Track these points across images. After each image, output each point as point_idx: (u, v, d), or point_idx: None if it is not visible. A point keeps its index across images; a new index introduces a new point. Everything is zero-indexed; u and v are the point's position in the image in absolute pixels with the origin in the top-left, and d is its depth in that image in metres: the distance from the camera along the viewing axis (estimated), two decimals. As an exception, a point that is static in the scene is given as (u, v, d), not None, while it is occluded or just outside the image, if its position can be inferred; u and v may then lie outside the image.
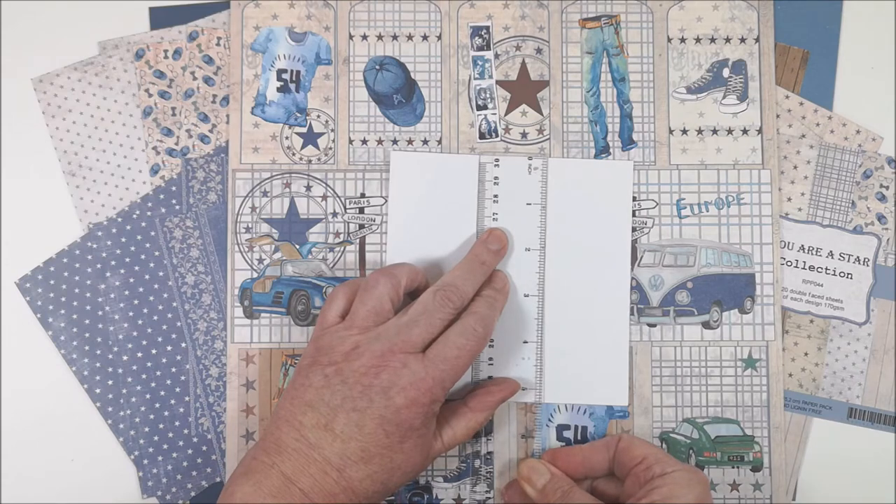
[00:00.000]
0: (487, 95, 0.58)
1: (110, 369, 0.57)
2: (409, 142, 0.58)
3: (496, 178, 0.56)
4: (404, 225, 0.56)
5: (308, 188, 0.58)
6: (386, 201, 0.57)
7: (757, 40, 0.58)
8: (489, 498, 0.56)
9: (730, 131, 0.58)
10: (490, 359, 0.56)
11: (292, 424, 0.47)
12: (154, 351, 0.57)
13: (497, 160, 0.57)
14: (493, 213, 0.56)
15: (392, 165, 0.57)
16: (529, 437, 0.57)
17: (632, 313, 0.56)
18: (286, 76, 0.58)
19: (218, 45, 0.58)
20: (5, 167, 0.58)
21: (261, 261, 0.57)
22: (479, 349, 0.50)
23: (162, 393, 0.57)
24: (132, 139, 0.58)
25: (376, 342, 0.48)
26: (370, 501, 0.47)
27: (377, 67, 0.58)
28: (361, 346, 0.48)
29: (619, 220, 0.56)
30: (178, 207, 0.58)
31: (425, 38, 0.58)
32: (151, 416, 0.57)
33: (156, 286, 0.57)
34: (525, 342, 0.56)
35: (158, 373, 0.57)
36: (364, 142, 0.58)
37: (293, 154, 0.58)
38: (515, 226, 0.56)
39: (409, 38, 0.58)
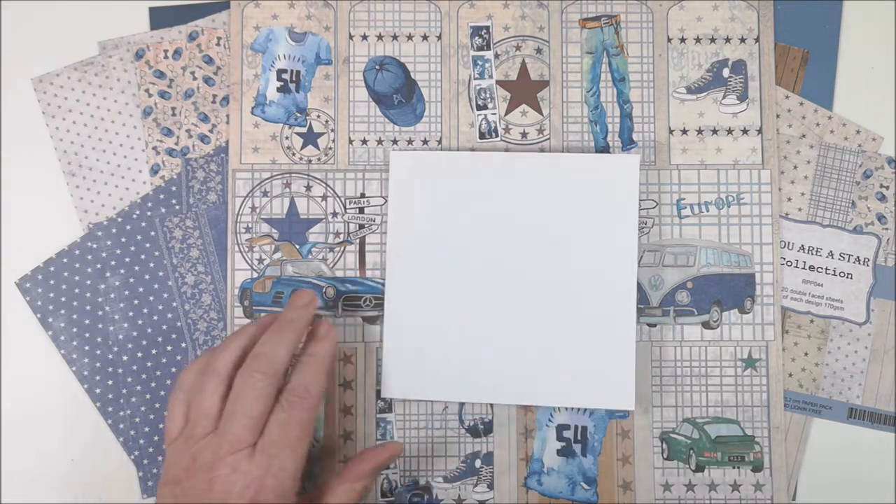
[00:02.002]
0: (487, 95, 0.58)
1: (110, 369, 0.57)
2: (409, 142, 0.58)
3: (497, 175, 0.56)
4: (404, 225, 0.56)
5: (308, 188, 0.58)
6: (386, 201, 0.57)
7: (757, 40, 0.58)
8: (489, 498, 0.56)
9: (730, 131, 0.58)
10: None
11: None
12: (154, 351, 0.57)
13: (499, 157, 0.57)
14: (495, 212, 0.56)
15: (392, 165, 0.57)
16: (529, 436, 0.57)
17: (632, 313, 0.56)
18: (286, 76, 0.58)
19: (218, 45, 0.58)
20: (5, 167, 0.58)
21: (261, 261, 0.57)
22: (309, 418, 0.47)
23: (162, 393, 0.57)
24: (132, 139, 0.58)
25: (207, 450, 0.46)
26: None
27: (377, 67, 0.58)
28: (197, 459, 0.46)
29: (625, 215, 0.55)
30: (178, 207, 0.58)
31: (425, 38, 0.58)
32: (151, 416, 0.57)
33: (156, 286, 0.57)
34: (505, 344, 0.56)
35: (158, 373, 0.57)
36: (364, 142, 0.58)
37: (293, 154, 0.58)
38: (515, 223, 0.56)
39: (409, 38, 0.58)
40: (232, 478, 0.45)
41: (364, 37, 0.58)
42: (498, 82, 0.58)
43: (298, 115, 0.58)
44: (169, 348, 0.57)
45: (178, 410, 0.48)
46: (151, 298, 0.57)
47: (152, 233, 0.57)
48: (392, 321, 0.56)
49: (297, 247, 0.57)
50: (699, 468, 0.56)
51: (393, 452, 0.52)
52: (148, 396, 0.57)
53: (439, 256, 0.56)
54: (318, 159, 0.58)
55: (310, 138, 0.58)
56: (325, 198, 0.58)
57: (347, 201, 0.58)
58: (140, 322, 0.57)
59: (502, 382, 0.55)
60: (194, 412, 0.47)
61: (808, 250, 0.58)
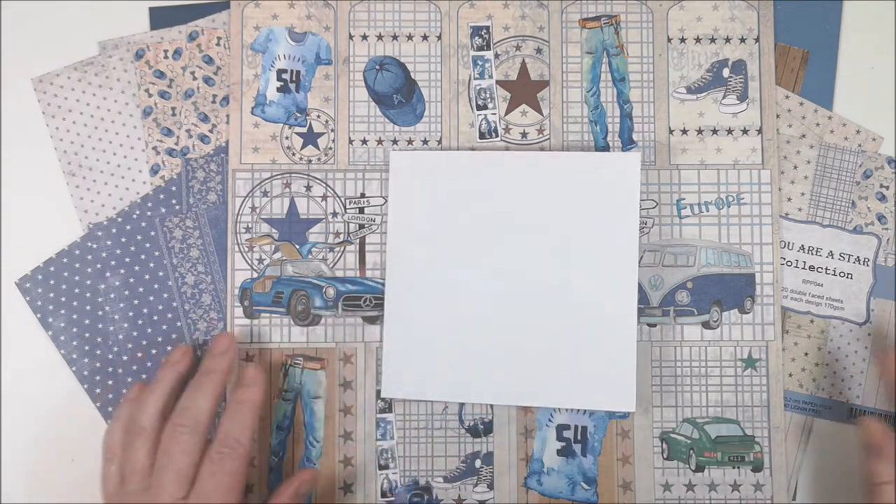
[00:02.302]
0: (487, 95, 0.58)
1: (110, 369, 0.57)
2: (409, 142, 0.58)
3: (498, 174, 0.56)
4: (404, 225, 0.56)
5: (308, 188, 0.58)
6: (386, 201, 0.57)
7: (757, 40, 0.58)
8: (489, 498, 0.56)
9: (730, 131, 0.58)
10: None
11: None
12: (154, 351, 0.57)
13: (499, 156, 0.57)
14: (495, 212, 0.56)
15: (392, 165, 0.57)
16: (529, 436, 0.57)
17: None
18: (286, 76, 0.58)
19: (218, 45, 0.58)
20: (5, 167, 0.58)
21: (261, 261, 0.57)
22: (240, 467, 0.49)
23: (162, 393, 0.57)
24: (132, 139, 0.58)
25: None
26: None
27: (377, 67, 0.58)
28: None
29: (626, 214, 0.55)
30: (178, 207, 0.58)
31: (425, 38, 0.58)
32: (151, 416, 0.57)
33: (156, 286, 0.57)
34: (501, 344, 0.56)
35: (158, 373, 0.57)
36: (364, 142, 0.58)
37: (293, 154, 0.58)
38: (515, 222, 0.56)
39: (409, 38, 0.58)
40: None
41: (364, 37, 0.58)
42: (498, 82, 0.58)
43: (298, 115, 0.58)
44: (169, 348, 0.57)
45: (112, 470, 0.50)
46: (151, 298, 0.57)
47: (152, 233, 0.57)
48: (392, 321, 0.56)
49: (297, 247, 0.57)
50: (699, 468, 0.56)
51: (305, 477, 0.54)
52: (148, 396, 0.57)
53: (439, 256, 0.56)
54: (318, 159, 0.58)
55: (310, 138, 0.58)
56: (325, 198, 0.58)
57: (347, 201, 0.58)
58: (140, 322, 0.57)
59: (502, 383, 0.55)
60: (127, 470, 0.49)
61: (808, 250, 0.58)
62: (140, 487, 0.48)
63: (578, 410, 0.57)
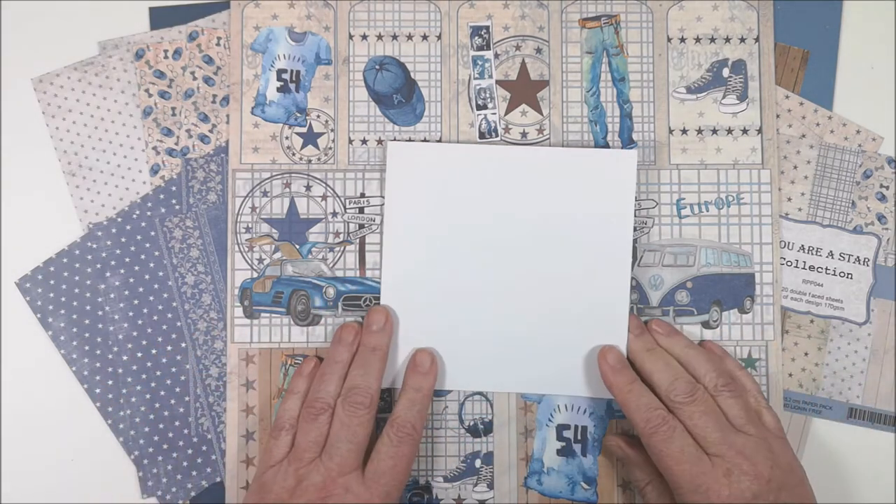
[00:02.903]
0: (487, 95, 0.58)
1: (110, 369, 0.57)
2: (409, 141, 0.58)
3: (495, 168, 0.56)
4: (401, 216, 0.56)
5: (308, 188, 0.58)
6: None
7: (757, 40, 0.58)
8: (489, 498, 0.57)
9: (730, 131, 0.58)
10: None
11: None
12: (154, 351, 0.57)
13: (497, 150, 0.57)
14: (492, 205, 0.56)
15: (388, 157, 0.57)
16: (529, 436, 0.57)
17: (631, 313, 0.56)
18: (286, 76, 0.58)
19: (218, 45, 0.58)
20: (5, 167, 0.58)
21: (261, 261, 0.57)
22: (412, 451, 0.51)
23: (162, 393, 0.57)
24: (132, 139, 0.58)
25: (316, 473, 0.49)
26: None
27: (377, 67, 0.58)
28: (304, 481, 0.49)
29: (622, 210, 0.55)
30: (178, 207, 0.58)
31: (425, 37, 0.58)
32: (151, 416, 0.57)
33: (156, 286, 0.57)
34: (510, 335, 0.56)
35: (158, 373, 0.57)
36: (364, 142, 0.58)
37: (293, 154, 0.58)
38: (512, 216, 0.56)
39: (409, 37, 0.58)
40: (344, 497, 0.49)
41: (364, 37, 0.58)
42: (498, 82, 0.58)
43: (298, 115, 0.58)
44: (169, 348, 0.57)
45: (284, 439, 0.52)
46: (151, 298, 0.57)
47: (152, 233, 0.57)
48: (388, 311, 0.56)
49: (297, 247, 0.57)
50: (699, 468, 0.56)
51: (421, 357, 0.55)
52: (148, 396, 0.57)
53: (435, 247, 0.56)
54: (318, 159, 0.58)
55: (310, 138, 0.58)
56: (324, 198, 0.58)
57: (347, 201, 0.58)
58: (140, 322, 0.57)
59: (499, 372, 0.56)
60: (301, 439, 0.51)
61: (808, 250, 0.58)
62: (313, 456, 0.50)
63: (578, 410, 0.57)
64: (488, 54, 0.58)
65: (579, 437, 0.57)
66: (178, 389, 0.57)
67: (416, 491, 0.57)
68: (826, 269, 0.58)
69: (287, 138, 0.58)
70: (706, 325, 0.57)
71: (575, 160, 0.56)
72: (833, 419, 0.58)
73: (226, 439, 0.56)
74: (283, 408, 0.53)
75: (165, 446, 0.57)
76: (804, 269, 0.58)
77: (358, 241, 0.57)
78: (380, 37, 0.58)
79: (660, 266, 0.57)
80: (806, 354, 0.58)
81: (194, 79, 0.58)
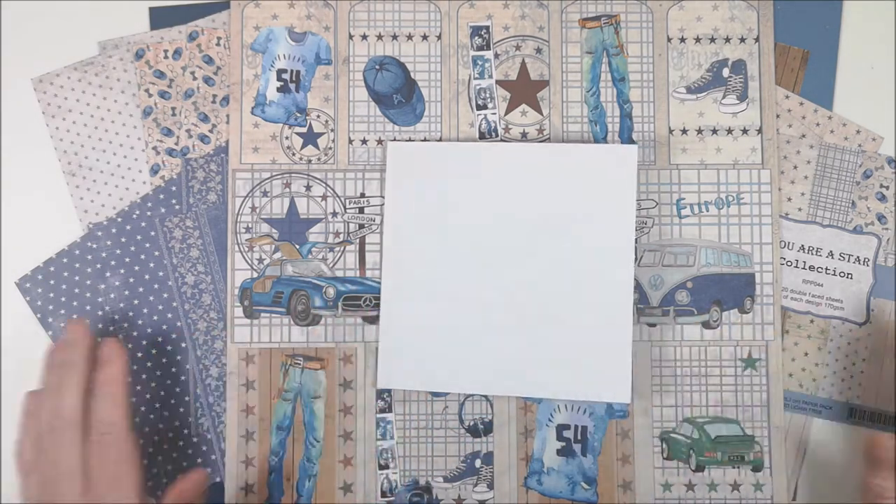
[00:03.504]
0: (487, 95, 0.58)
1: (110, 369, 0.57)
2: (409, 141, 0.58)
3: (495, 167, 0.56)
4: (401, 215, 0.56)
5: (308, 188, 0.58)
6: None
7: (757, 40, 0.58)
8: (489, 498, 0.56)
9: (730, 131, 0.58)
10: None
11: None
12: (154, 351, 0.57)
13: (497, 147, 0.56)
14: (492, 204, 0.56)
15: (388, 156, 0.57)
16: (529, 436, 0.57)
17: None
18: (286, 76, 0.58)
19: (218, 45, 0.58)
20: (5, 167, 0.58)
21: (261, 261, 0.57)
22: (126, 447, 0.48)
23: (162, 393, 0.57)
24: (132, 139, 0.58)
25: None
26: None
27: (377, 67, 0.58)
28: None
29: (623, 206, 0.55)
30: (178, 207, 0.58)
31: (425, 37, 0.58)
32: (151, 416, 0.57)
33: (156, 286, 0.57)
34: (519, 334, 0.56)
35: (158, 373, 0.57)
36: (364, 142, 0.58)
37: (293, 154, 0.58)
38: (512, 214, 0.56)
39: (409, 37, 0.58)
40: None
41: (364, 37, 0.58)
42: (498, 82, 0.58)
43: (298, 115, 0.58)
44: (169, 348, 0.57)
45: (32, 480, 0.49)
46: (151, 298, 0.57)
47: (152, 233, 0.57)
48: (388, 312, 0.56)
49: (297, 247, 0.57)
50: (699, 468, 0.56)
51: (188, 480, 0.51)
52: (148, 396, 0.57)
53: (436, 246, 0.56)
54: (318, 159, 0.58)
55: (310, 138, 0.58)
56: (324, 198, 0.58)
57: (347, 201, 0.58)
58: (140, 322, 0.57)
59: (498, 374, 0.56)
60: (32, 482, 0.49)
61: (808, 250, 0.58)
62: (74, 492, 0.47)
63: (578, 410, 0.57)
64: (488, 54, 0.58)
65: (579, 437, 0.57)
66: (178, 389, 0.57)
67: (416, 491, 0.57)
68: (826, 269, 0.58)
69: (287, 138, 0.58)
70: (706, 325, 0.57)
71: (575, 156, 0.56)
72: (833, 419, 0.58)
73: (226, 439, 0.56)
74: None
75: (165, 446, 0.57)
76: (804, 269, 0.58)
77: (358, 241, 0.57)
78: (380, 37, 0.58)
79: (660, 266, 0.57)
80: (806, 354, 0.58)
81: (194, 79, 0.58)
